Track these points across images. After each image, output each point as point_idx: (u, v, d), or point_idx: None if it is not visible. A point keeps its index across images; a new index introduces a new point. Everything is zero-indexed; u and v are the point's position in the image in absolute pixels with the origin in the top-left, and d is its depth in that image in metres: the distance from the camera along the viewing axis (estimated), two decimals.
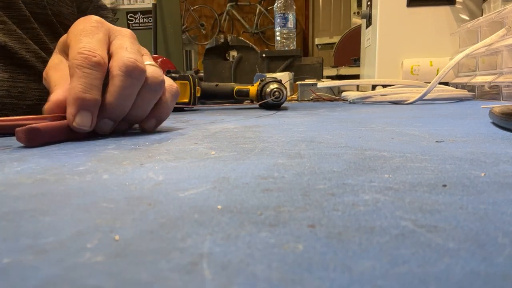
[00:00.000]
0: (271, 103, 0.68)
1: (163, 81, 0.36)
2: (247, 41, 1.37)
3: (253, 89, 0.72)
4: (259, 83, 0.71)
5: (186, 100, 0.71)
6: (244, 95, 0.73)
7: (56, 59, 0.38)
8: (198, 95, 0.73)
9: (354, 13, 2.77)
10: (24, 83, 0.50)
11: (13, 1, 0.49)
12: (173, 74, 0.69)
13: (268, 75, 1.01)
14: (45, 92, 0.53)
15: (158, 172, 0.21)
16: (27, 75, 0.51)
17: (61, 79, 0.35)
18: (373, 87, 0.92)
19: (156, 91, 0.35)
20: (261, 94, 0.69)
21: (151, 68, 0.35)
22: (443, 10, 0.97)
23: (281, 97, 0.67)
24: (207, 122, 0.48)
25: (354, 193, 0.16)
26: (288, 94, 1.00)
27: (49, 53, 0.54)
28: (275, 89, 0.67)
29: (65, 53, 0.36)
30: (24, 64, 0.50)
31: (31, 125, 0.29)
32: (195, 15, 3.85)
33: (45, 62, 0.53)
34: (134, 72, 0.33)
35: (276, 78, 0.71)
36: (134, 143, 0.31)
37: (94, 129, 0.33)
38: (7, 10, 0.49)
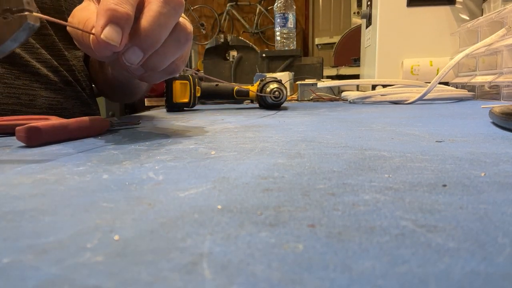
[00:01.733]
0: (271, 103, 0.68)
1: (191, 33, 0.34)
2: (247, 41, 1.37)
3: (253, 89, 0.72)
4: (259, 83, 0.70)
5: (186, 100, 0.71)
6: (244, 95, 0.73)
7: (85, 3, 0.35)
8: (198, 95, 0.73)
9: (354, 13, 2.77)
10: (36, 91, 0.51)
11: None
12: None
13: (268, 75, 1.01)
14: (56, 101, 0.53)
15: (158, 172, 0.21)
16: (40, 83, 0.51)
17: (92, 15, 0.30)
18: (373, 87, 0.92)
19: (183, 43, 0.33)
20: (261, 94, 0.69)
21: (183, 19, 0.33)
22: (443, 10, 0.97)
23: (281, 97, 0.67)
24: (207, 122, 0.48)
25: (354, 193, 0.16)
26: (288, 94, 1.00)
27: (63, 60, 0.54)
28: (275, 89, 0.67)
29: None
30: (37, 72, 0.50)
31: (31, 124, 0.29)
32: (195, 15, 3.85)
33: (57, 71, 0.53)
34: (173, 1, 0.30)
35: (276, 78, 0.71)
36: (134, 143, 0.31)
37: (120, 60, 0.30)
38: None
